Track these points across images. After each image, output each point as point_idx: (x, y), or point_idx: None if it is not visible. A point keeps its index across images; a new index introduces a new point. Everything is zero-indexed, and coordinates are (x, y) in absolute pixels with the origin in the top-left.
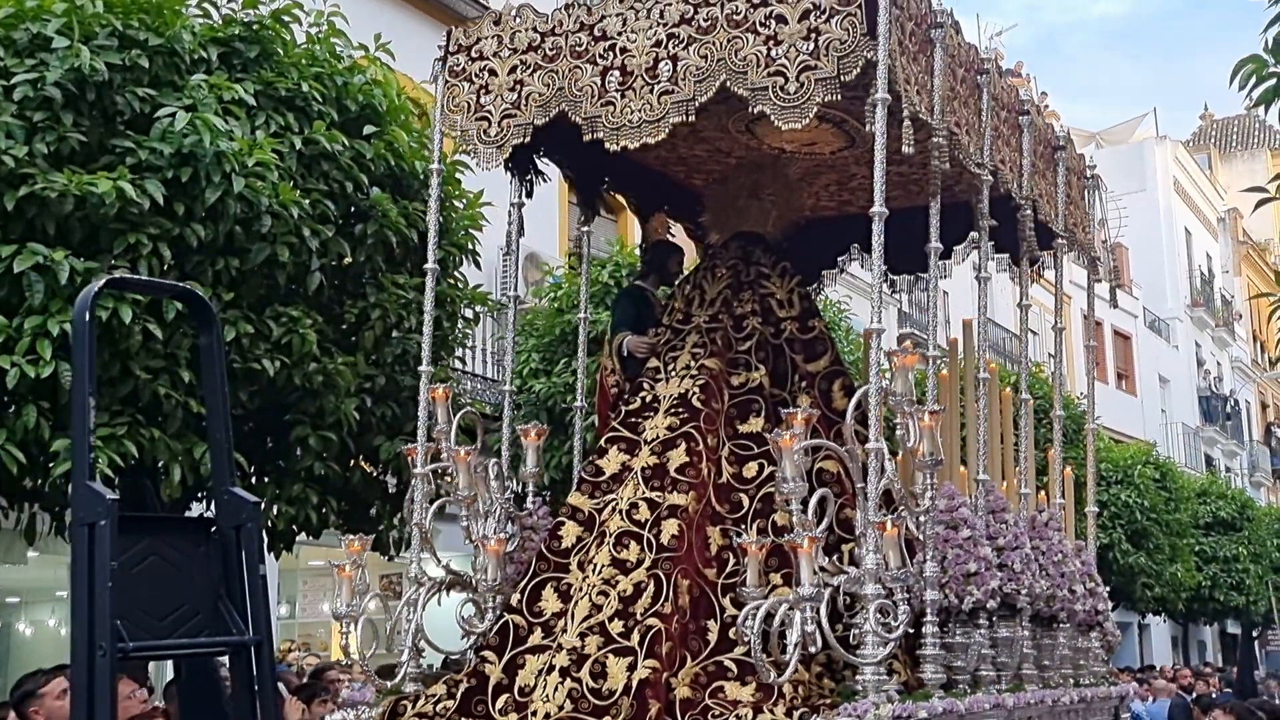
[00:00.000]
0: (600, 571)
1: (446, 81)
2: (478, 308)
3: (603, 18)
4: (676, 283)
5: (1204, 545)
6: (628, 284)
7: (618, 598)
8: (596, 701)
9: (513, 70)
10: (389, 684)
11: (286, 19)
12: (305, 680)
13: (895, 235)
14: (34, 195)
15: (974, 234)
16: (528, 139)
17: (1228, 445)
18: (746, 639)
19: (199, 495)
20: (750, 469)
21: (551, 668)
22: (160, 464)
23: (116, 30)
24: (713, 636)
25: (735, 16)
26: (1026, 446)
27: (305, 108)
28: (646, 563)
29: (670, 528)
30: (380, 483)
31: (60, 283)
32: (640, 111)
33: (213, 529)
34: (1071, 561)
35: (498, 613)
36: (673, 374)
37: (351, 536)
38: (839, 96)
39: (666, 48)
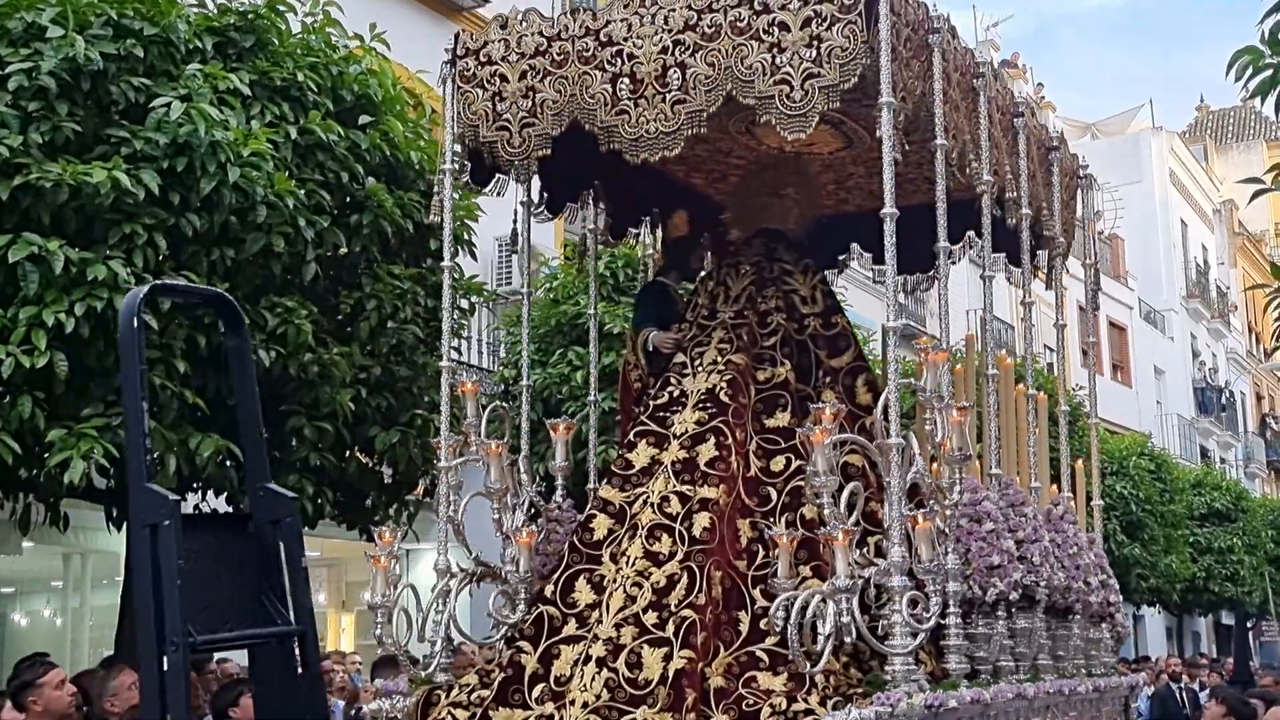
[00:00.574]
0: (633, 563)
1: (458, 86)
2: (473, 298)
3: (608, 23)
4: (699, 278)
5: (1199, 536)
6: (649, 281)
7: (651, 589)
8: (633, 691)
9: (523, 76)
10: (422, 674)
11: (281, 8)
12: None
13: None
14: (29, 185)
15: (970, 233)
16: (548, 150)
17: (1223, 437)
18: (778, 629)
19: (194, 486)
20: (778, 463)
21: (588, 658)
22: (155, 454)
23: (111, 20)
24: (744, 627)
25: (739, 24)
26: (1039, 441)
27: (300, 98)
28: (679, 555)
29: (702, 520)
30: (376, 473)
31: (55, 273)
32: (656, 122)
33: (250, 523)
34: (1086, 554)
35: (530, 604)
36: (700, 369)
37: (383, 527)
38: (840, 103)
39: (673, 54)
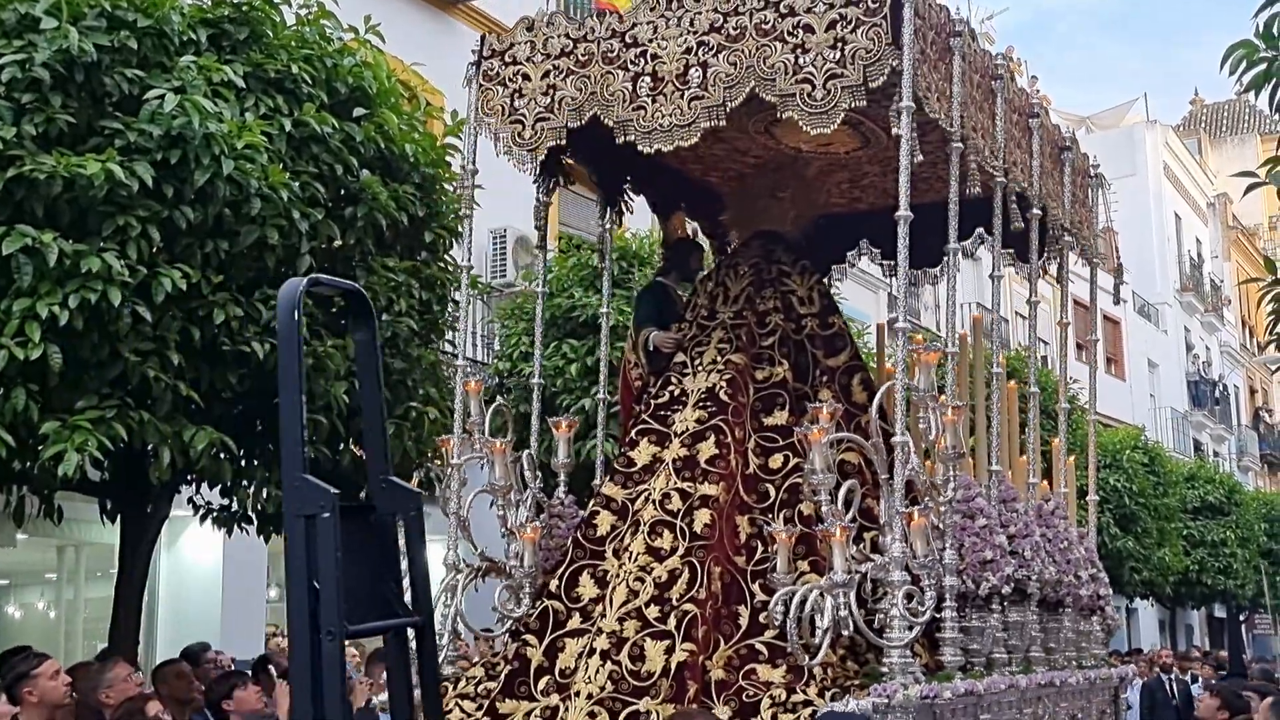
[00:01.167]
0: (636, 559)
1: (481, 86)
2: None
3: (634, 25)
4: (698, 279)
5: (1192, 529)
6: (649, 281)
7: (654, 584)
8: (636, 683)
9: (546, 75)
10: None
11: (276, 0)
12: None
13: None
14: (22, 177)
15: (979, 229)
16: (562, 141)
17: (1216, 430)
18: (777, 623)
19: (188, 478)
20: (776, 460)
21: (592, 650)
22: (150, 446)
23: (105, 11)
24: (744, 621)
25: (764, 26)
26: (1034, 437)
27: (295, 90)
28: (680, 550)
29: (702, 517)
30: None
31: (49, 265)
32: (671, 115)
33: (371, 515)
34: (1077, 549)
35: (534, 598)
36: (700, 368)
37: None
38: (864, 103)
39: (697, 54)
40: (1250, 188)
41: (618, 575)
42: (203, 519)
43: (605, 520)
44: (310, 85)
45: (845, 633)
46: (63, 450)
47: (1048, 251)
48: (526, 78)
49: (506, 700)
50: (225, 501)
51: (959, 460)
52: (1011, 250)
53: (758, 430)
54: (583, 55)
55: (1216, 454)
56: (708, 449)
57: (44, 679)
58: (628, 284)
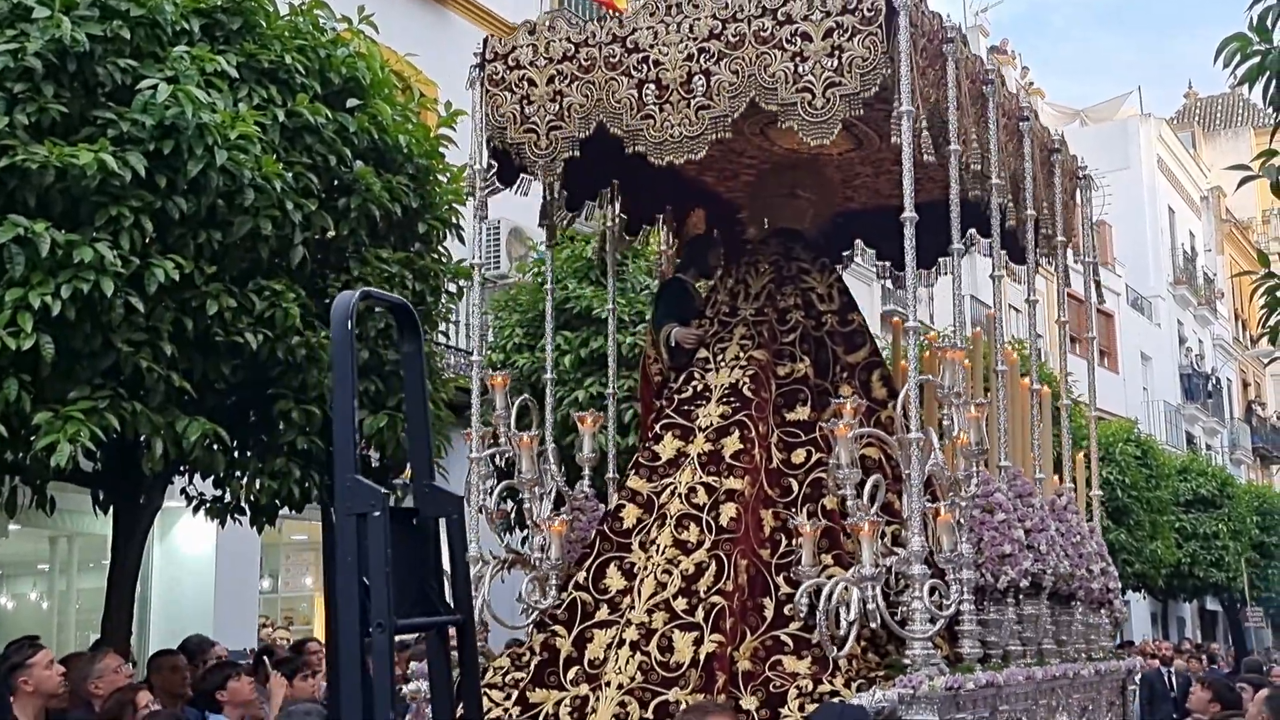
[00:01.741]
0: (663, 552)
1: (487, 90)
2: (461, 282)
3: (634, 30)
4: (717, 276)
5: (1184, 522)
6: (668, 278)
7: (681, 576)
8: (665, 674)
9: (550, 80)
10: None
11: None
12: (286, 655)
13: (893, 230)
14: (14, 167)
15: (972, 230)
16: (576, 153)
17: (1209, 423)
18: (802, 615)
19: (181, 469)
20: (799, 455)
21: (621, 642)
22: (143, 437)
23: (97, 1)
24: (769, 613)
25: (763, 33)
26: (1043, 433)
27: (288, 80)
28: (707, 544)
29: (728, 511)
30: (364, 457)
31: (41, 255)
32: (681, 126)
33: (415, 518)
34: (1089, 543)
35: (561, 590)
36: (722, 364)
37: None
38: (861, 110)
39: (698, 62)
40: (1244, 181)
41: (645, 568)
42: (195, 510)
43: (631, 513)
44: (304, 76)
45: (873, 625)
46: (55, 441)
47: (1040, 250)
48: (532, 83)
49: (537, 690)
50: (218, 492)
51: (982, 457)
52: (1005, 250)
53: (780, 425)
54: (585, 60)
55: (1209, 447)
56: (732, 444)
57: (39, 669)
58: (622, 276)
